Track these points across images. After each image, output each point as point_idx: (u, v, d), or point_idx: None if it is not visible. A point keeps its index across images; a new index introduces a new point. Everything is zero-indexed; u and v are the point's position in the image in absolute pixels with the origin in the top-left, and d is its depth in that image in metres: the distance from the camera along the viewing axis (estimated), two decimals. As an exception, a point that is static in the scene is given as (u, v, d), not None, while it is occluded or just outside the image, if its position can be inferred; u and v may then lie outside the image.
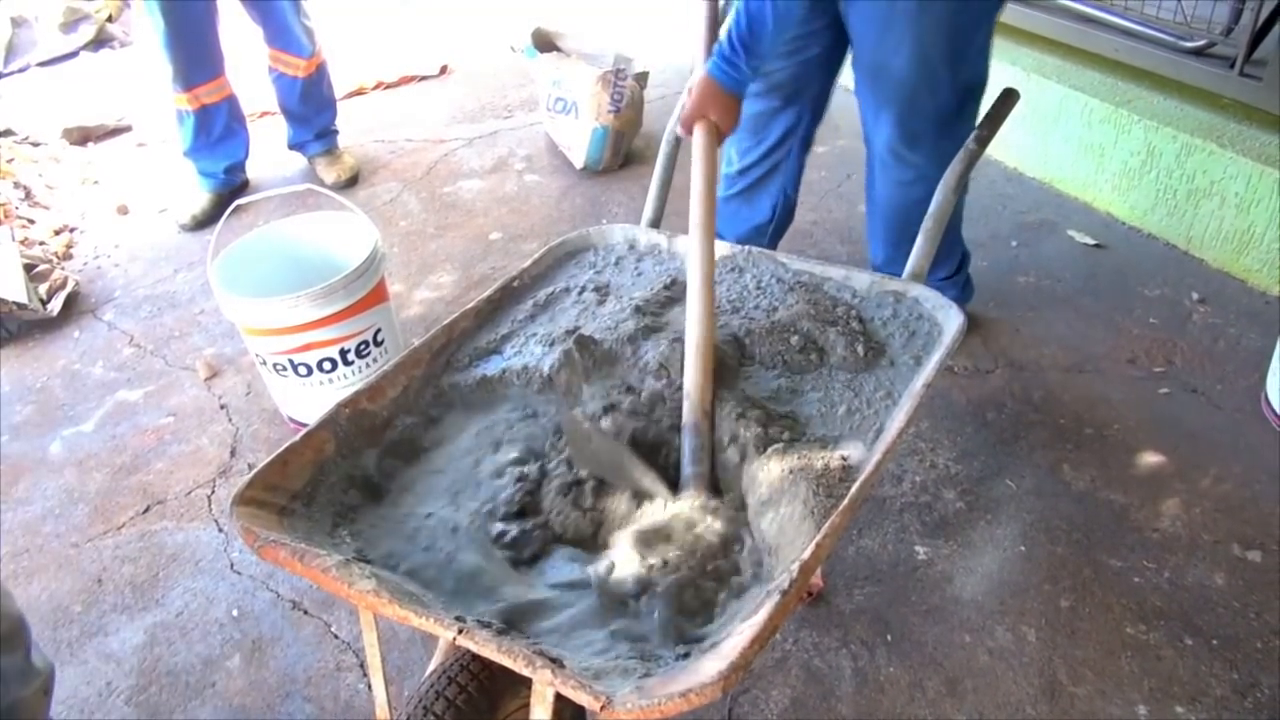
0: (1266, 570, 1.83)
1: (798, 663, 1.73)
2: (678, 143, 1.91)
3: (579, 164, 3.48)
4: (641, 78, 3.54)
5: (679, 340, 1.45)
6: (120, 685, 1.82)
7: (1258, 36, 2.64)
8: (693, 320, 1.41)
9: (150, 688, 1.81)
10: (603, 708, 0.89)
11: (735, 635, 0.97)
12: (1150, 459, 2.10)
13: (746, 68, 1.66)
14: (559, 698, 1.07)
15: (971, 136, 1.78)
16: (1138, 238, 2.86)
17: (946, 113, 2.00)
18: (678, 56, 4.24)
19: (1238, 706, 1.61)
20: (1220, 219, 2.63)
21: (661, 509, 1.25)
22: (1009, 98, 1.83)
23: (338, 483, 1.27)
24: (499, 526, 1.24)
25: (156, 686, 1.81)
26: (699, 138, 1.64)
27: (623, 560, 1.16)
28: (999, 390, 2.33)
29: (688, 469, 1.29)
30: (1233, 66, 2.72)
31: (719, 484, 1.31)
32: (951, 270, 2.43)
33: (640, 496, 1.27)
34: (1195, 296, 2.58)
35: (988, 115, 1.81)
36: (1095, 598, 1.81)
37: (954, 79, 1.96)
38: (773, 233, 2.48)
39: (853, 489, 1.14)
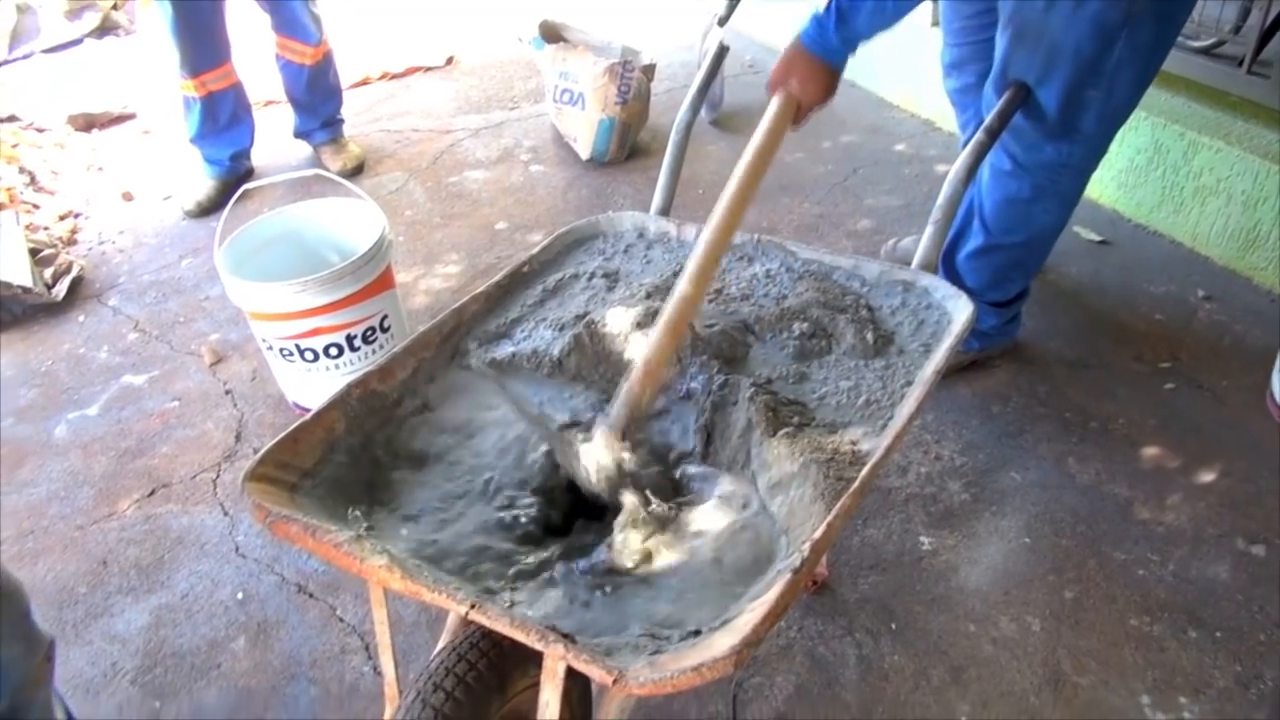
0: (1270, 564, 1.83)
1: (802, 650, 1.73)
2: (688, 132, 1.91)
3: (585, 155, 3.48)
4: (649, 70, 3.54)
5: (689, 325, 1.45)
6: (125, 666, 1.82)
7: (1266, 35, 2.65)
8: (687, 273, 1.36)
9: (155, 669, 1.81)
10: (615, 681, 0.89)
11: (747, 613, 0.97)
12: (1155, 453, 2.10)
13: (835, 37, 1.59)
14: (568, 676, 1.07)
15: (981, 127, 1.78)
16: (1143, 234, 2.86)
17: (1050, 116, 1.86)
18: (685, 49, 4.24)
19: (1241, 698, 1.62)
20: (1226, 216, 2.63)
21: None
22: (1018, 91, 1.83)
23: (348, 461, 1.28)
24: (508, 496, 1.25)
25: (162, 668, 1.81)
26: (772, 107, 1.57)
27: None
28: (1004, 384, 2.33)
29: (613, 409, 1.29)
30: (1240, 65, 2.72)
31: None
32: (1004, 297, 2.27)
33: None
34: (1201, 293, 2.58)
35: (997, 108, 1.82)
36: (1099, 589, 1.81)
37: (1069, 83, 1.80)
38: None
39: (863, 472, 1.14)
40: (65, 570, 2.04)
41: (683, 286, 1.35)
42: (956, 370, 2.35)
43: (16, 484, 2.29)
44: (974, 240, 2.17)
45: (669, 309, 1.34)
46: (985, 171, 2.08)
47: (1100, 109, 1.84)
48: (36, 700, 1.22)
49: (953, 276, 2.22)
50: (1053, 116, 1.85)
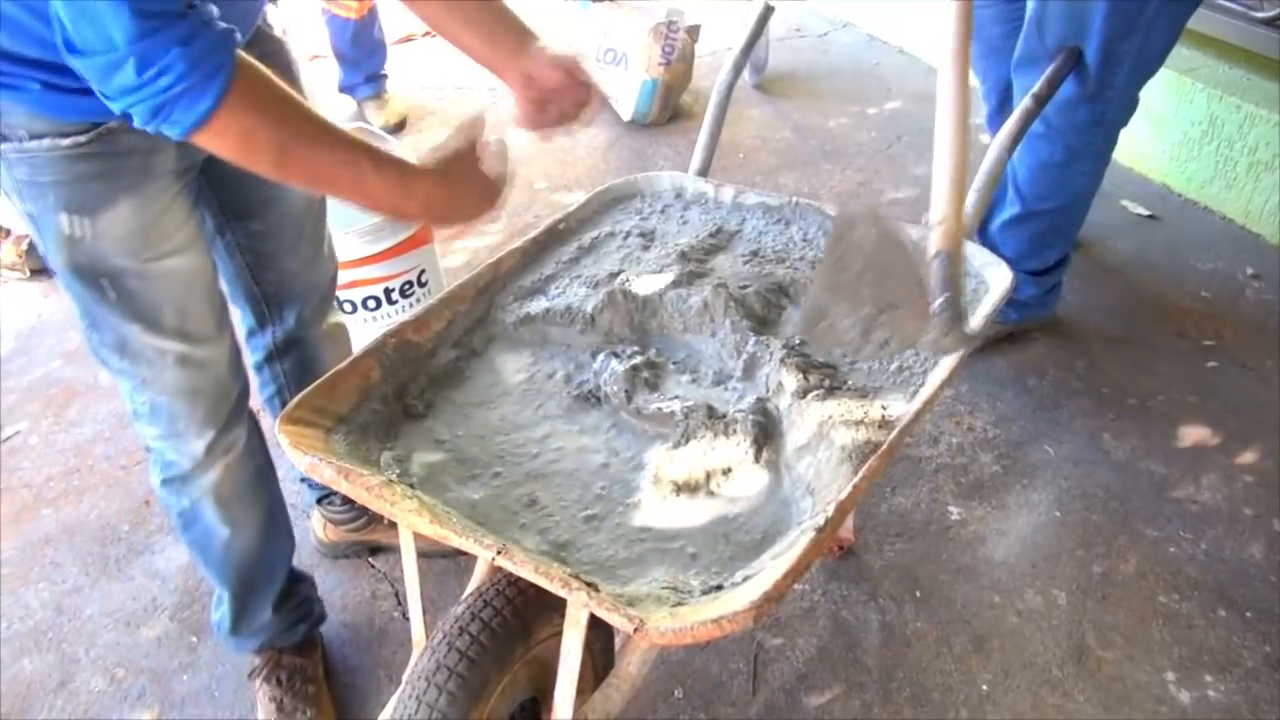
0: (1307, 547, 1.81)
1: (825, 614, 1.75)
2: (729, 94, 1.89)
3: (626, 116, 3.46)
4: (694, 31, 3.50)
5: (723, 286, 1.45)
6: (165, 602, 1.88)
7: (1333, 5, 2.56)
8: (943, 144, 1.26)
9: (193, 605, 1.87)
10: (636, 629, 0.90)
11: (769, 568, 0.98)
12: (1194, 431, 2.08)
13: None
14: (591, 627, 1.09)
15: (1029, 94, 1.75)
16: (1193, 210, 2.80)
17: (1086, 74, 1.84)
18: (730, 10, 4.18)
19: (1268, 679, 1.60)
20: (1281, 193, 2.57)
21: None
22: (1070, 56, 1.80)
23: (382, 408, 1.30)
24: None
25: (199, 605, 1.87)
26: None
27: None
28: (1041, 357, 2.31)
29: (939, 297, 1.14)
30: (1304, 36, 2.64)
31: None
32: (1042, 265, 2.23)
33: None
34: (1250, 271, 2.52)
35: (1046, 75, 1.78)
36: (1129, 565, 1.80)
37: (1105, 36, 1.79)
38: None
39: (891, 435, 1.14)
40: (109, 508, 2.10)
41: (943, 158, 1.24)
42: (993, 342, 2.32)
43: (64, 423, 2.35)
44: (1009, 209, 2.15)
45: (943, 184, 1.22)
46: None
47: (1134, 62, 1.81)
48: None
49: (989, 246, 2.18)
50: (1089, 74, 1.82)
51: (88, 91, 0.97)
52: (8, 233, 2.98)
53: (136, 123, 0.95)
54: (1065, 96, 1.89)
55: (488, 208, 1.21)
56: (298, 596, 1.67)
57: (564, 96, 1.33)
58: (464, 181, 1.18)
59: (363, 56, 3.49)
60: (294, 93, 1.02)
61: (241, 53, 0.97)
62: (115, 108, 0.95)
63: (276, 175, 1.04)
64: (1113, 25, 1.75)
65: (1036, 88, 1.74)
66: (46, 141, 1.10)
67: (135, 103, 0.92)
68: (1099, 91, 1.86)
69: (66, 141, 1.10)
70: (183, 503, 1.44)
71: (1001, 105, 2.40)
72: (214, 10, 0.95)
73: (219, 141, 0.98)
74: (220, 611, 1.60)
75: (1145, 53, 1.81)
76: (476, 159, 1.20)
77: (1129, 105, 1.95)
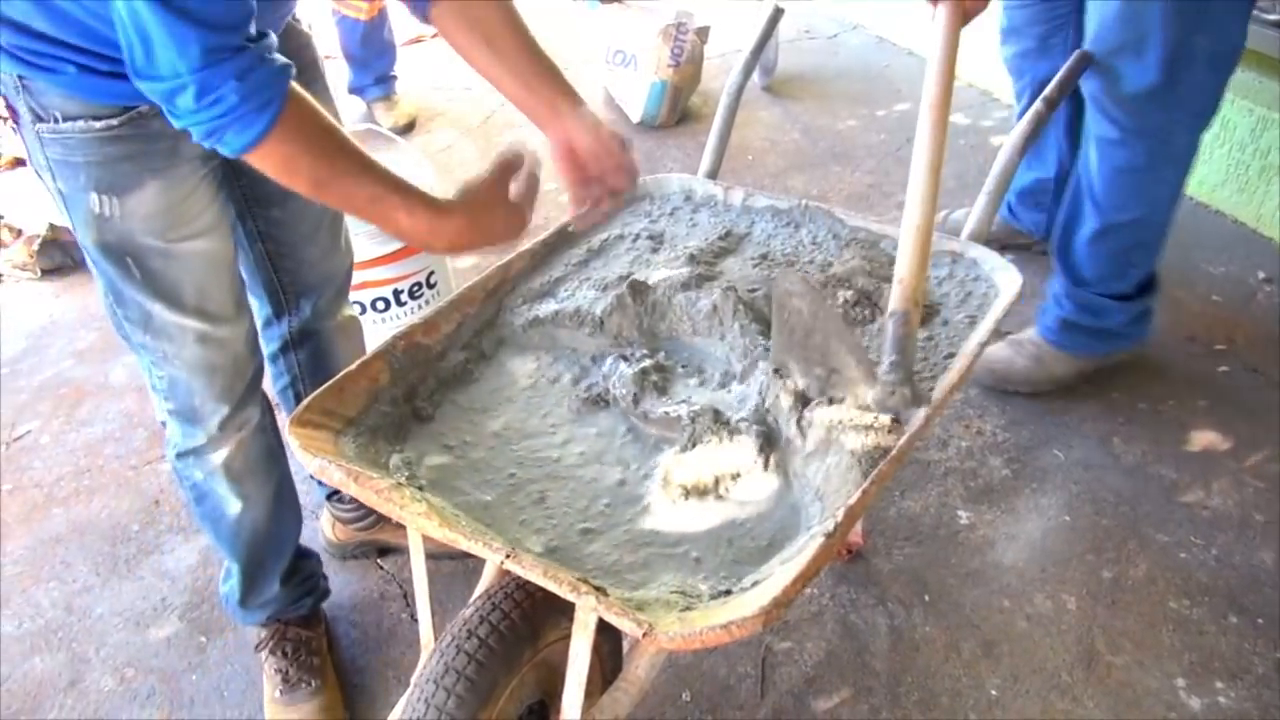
0: (1318, 553, 1.80)
1: (834, 617, 1.74)
2: (739, 96, 1.89)
3: (635, 118, 3.46)
4: (703, 33, 3.50)
5: (732, 289, 1.45)
6: (174, 601, 1.89)
7: (1346, 8, 2.55)
8: (914, 201, 1.29)
9: (202, 605, 1.88)
10: (645, 635, 0.90)
11: (778, 574, 0.98)
12: (1204, 436, 2.07)
13: None
14: (599, 631, 1.09)
15: (1040, 97, 1.74)
16: (1205, 213, 2.79)
17: (1153, 72, 1.78)
18: (740, 12, 4.18)
19: (1279, 686, 1.60)
20: (1293, 197, 2.56)
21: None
22: (1081, 59, 1.79)
23: (391, 411, 1.30)
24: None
25: (208, 605, 1.87)
26: (942, 14, 1.51)
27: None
28: (1051, 361, 2.29)
29: (888, 358, 1.19)
30: (1317, 39, 2.62)
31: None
32: (1128, 288, 2.09)
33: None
34: (1261, 275, 2.51)
35: (1058, 78, 1.77)
36: (1139, 570, 1.79)
37: (1174, 37, 1.73)
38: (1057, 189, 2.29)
39: (901, 440, 1.14)
40: (119, 508, 2.11)
41: (917, 213, 1.28)
42: (1077, 382, 2.18)
43: (75, 423, 2.36)
44: (1088, 224, 2.03)
45: (915, 238, 1.25)
46: (1090, 147, 1.97)
47: (1207, 57, 1.75)
48: None
49: (1071, 269, 2.10)
50: (1157, 72, 1.76)
51: (121, 76, 1.04)
52: (19, 233, 3.00)
53: (194, 139, 1.04)
54: (1135, 96, 1.83)
55: (512, 239, 1.31)
56: (304, 571, 1.72)
57: (605, 177, 1.41)
58: (490, 215, 1.27)
59: (372, 57, 3.50)
60: (337, 126, 1.12)
61: (295, 86, 1.06)
62: (175, 124, 1.04)
63: (313, 196, 1.14)
64: (1180, 17, 1.70)
65: (1048, 90, 1.73)
66: (80, 123, 1.16)
67: (193, 123, 1.02)
68: (1171, 87, 1.79)
69: (99, 124, 1.16)
70: (196, 476, 1.49)
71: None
72: (273, 43, 1.05)
73: (264, 163, 1.07)
74: (229, 584, 1.65)
75: (1218, 46, 1.75)
76: (506, 194, 1.29)
77: (1207, 106, 1.87)
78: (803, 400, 1.25)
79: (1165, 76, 1.78)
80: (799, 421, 1.22)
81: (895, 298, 1.22)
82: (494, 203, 1.27)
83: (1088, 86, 1.92)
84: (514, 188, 1.30)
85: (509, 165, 1.29)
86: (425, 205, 1.18)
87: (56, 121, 1.15)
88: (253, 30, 1.02)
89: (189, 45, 0.95)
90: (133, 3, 0.94)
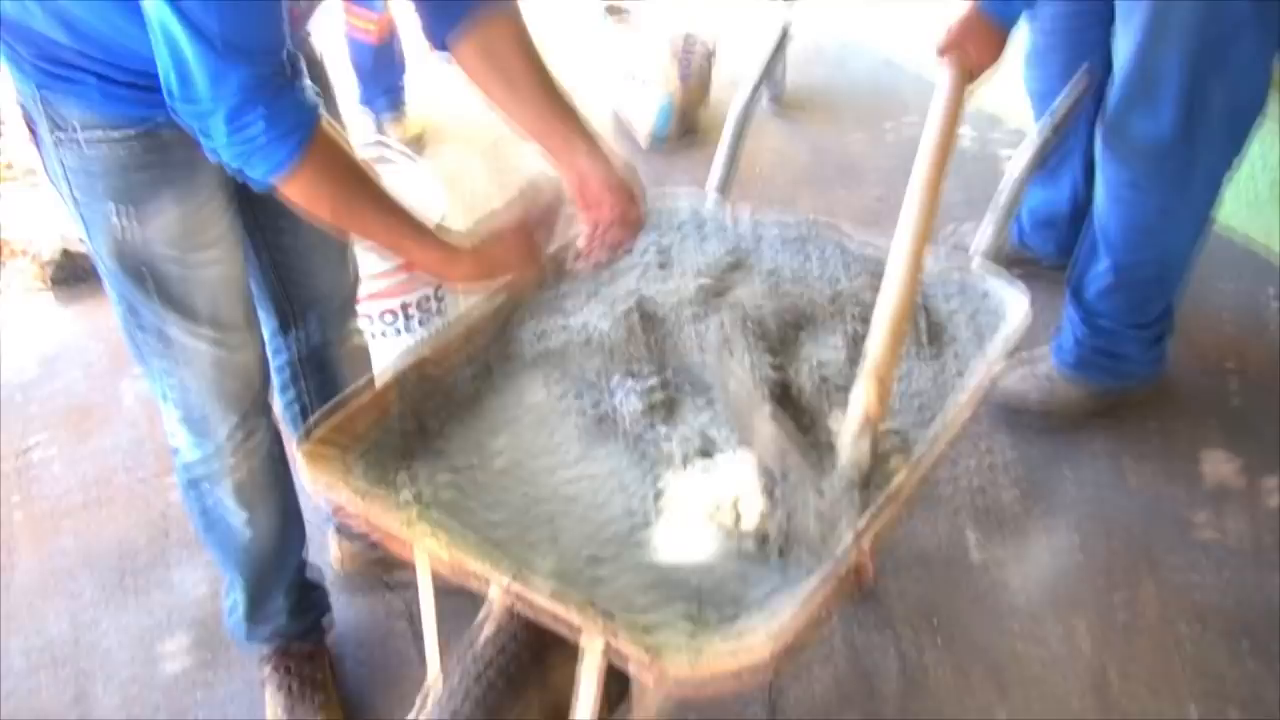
0: (1333, 579, 1.78)
1: (842, 641, 1.73)
2: (747, 114, 1.89)
3: (643, 135, 3.47)
4: (712, 51, 3.51)
5: (739, 309, 1.44)
6: (181, 620, 1.90)
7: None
8: (892, 281, 1.25)
9: (209, 624, 1.87)
10: (655, 680, 0.90)
11: (786, 608, 0.97)
12: (1216, 460, 2.05)
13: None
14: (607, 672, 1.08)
15: (1045, 123, 1.73)
16: (1215, 233, 2.76)
17: (1167, 114, 1.73)
18: (747, 32, 4.19)
19: (1293, 714, 1.58)
20: (1306, 218, 2.54)
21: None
22: (1085, 79, 1.78)
23: (400, 433, 1.30)
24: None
25: (215, 624, 1.86)
26: (948, 72, 1.50)
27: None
28: (1061, 382, 2.28)
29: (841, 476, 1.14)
30: (1329, 58, 2.61)
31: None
32: (1144, 318, 2.05)
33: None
34: (1272, 294, 2.50)
35: (1061, 98, 1.76)
36: (1150, 596, 1.78)
37: (1189, 85, 1.68)
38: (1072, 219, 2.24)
39: (914, 478, 1.13)
40: (128, 527, 2.11)
41: (890, 298, 1.24)
42: (1090, 417, 2.14)
43: (84, 440, 2.37)
44: (1100, 265, 2.00)
45: (883, 328, 1.21)
46: (1101, 190, 1.94)
47: (1228, 109, 1.71)
48: None
49: (1085, 305, 2.07)
50: (1171, 126, 1.72)
51: (140, 89, 1.10)
52: (25, 250, 3.00)
53: (225, 165, 1.08)
54: (1149, 146, 1.78)
55: (527, 273, 1.37)
56: (306, 586, 1.72)
57: (617, 220, 1.45)
58: (505, 250, 1.31)
59: (381, 71, 3.52)
60: (362, 166, 1.17)
61: (325, 122, 1.10)
62: (206, 149, 1.07)
63: (332, 225, 1.19)
64: (1192, 69, 1.66)
65: (1056, 117, 1.71)
66: (98, 133, 1.17)
67: (222, 149, 1.05)
68: (1185, 144, 1.74)
69: (117, 134, 1.18)
70: (201, 488, 1.50)
71: None
72: (306, 83, 1.10)
73: (288, 192, 1.11)
74: (232, 598, 1.66)
75: (1237, 99, 1.69)
76: (525, 232, 1.33)
77: (1229, 151, 1.81)
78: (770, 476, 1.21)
79: (1180, 131, 1.73)
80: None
81: (862, 393, 1.16)
82: (511, 241, 1.31)
83: (1100, 132, 1.89)
84: (531, 219, 1.33)
85: (529, 201, 1.32)
86: (438, 246, 1.24)
87: (74, 131, 1.17)
88: (286, 61, 1.04)
89: (226, 76, 0.98)
90: (170, 32, 0.95)
